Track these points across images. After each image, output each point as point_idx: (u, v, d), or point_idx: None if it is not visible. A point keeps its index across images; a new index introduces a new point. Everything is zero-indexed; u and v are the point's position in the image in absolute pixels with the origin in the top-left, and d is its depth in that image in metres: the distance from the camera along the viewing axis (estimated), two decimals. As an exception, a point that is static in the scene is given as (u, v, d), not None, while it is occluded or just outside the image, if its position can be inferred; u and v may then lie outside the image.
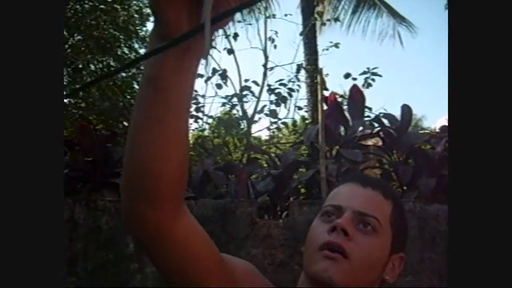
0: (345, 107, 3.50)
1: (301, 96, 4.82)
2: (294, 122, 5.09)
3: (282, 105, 4.14)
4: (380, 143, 3.02)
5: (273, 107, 4.15)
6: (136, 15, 6.63)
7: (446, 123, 4.35)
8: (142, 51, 6.97)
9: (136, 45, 6.84)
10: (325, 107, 2.98)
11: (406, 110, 3.15)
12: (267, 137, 6.37)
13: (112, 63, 6.69)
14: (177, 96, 0.58)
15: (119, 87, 6.09)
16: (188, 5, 0.55)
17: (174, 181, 0.61)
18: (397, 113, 3.58)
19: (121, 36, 6.42)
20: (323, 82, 2.92)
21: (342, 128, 2.98)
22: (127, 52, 6.75)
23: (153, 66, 0.58)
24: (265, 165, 3.87)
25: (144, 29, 6.89)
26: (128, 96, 5.70)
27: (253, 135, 4.98)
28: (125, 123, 5.93)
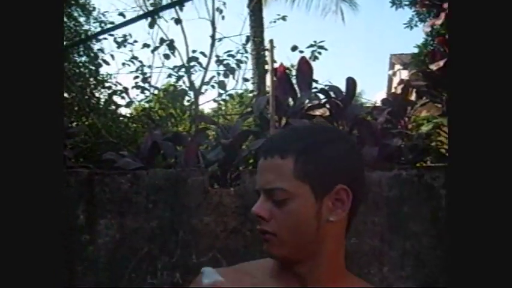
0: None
1: (247, 68, 4.86)
2: (241, 94, 5.13)
3: (230, 76, 4.15)
4: (327, 114, 3.13)
5: (221, 78, 4.16)
6: (75, -19, 6.32)
7: (385, 97, 4.54)
8: (82, 19, 6.68)
9: (76, 14, 6.54)
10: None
11: (351, 82, 3.27)
12: (210, 110, 6.36)
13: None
14: None
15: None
16: None
17: None
18: (340, 85, 3.70)
19: (59, 3, 6.10)
20: (273, 54, 2.96)
21: (290, 99, 3.05)
22: (66, 20, 6.44)
23: None
24: (214, 135, 3.90)
25: (84, -4, 6.59)
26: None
27: (199, 106, 4.98)
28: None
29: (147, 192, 2.58)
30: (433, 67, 3.56)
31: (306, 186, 0.82)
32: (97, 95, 5.87)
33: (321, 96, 3.26)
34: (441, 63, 3.47)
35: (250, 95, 5.04)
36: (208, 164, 2.78)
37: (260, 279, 0.89)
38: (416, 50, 6.26)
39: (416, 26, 6.69)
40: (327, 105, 3.12)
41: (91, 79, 5.82)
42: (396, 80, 9.60)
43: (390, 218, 2.56)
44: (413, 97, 3.90)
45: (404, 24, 6.68)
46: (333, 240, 0.85)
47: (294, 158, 0.82)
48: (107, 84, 5.67)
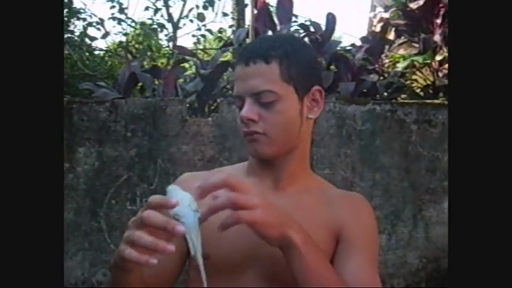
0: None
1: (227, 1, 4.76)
2: (220, 30, 5.06)
3: (210, 9, 4.08)
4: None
5: (200, 10, 4.08)
6: None
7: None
8: None
9: None
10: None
11: (331, 18, 3.26)
12: (192, 45, 6.26)
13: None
14: None
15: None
16: None
17: None
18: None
19: None
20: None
21: (270, 32, 3.04)
22: None
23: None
24: (192, 71, 3.88)
25: None
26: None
27: (177, 41, 4.89)
28: None
29: (126, 121, 2.60)
30: (413, 6, 3.57)
31: (290, 87, 0.89)
32: (71, 27, 5.70)
33: (301, 31, 3.26)
34: (421, 1, 3.49)
35: (229, 30, 4.97)
36: (186, 95, 2.80)
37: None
38: (397, -8, 6.19)
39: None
40: (306, 40, 3.12)
41: (64, 10, 5.62)
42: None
43: (362, 150, 2.66)
44: (391, 36, 3.93)
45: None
46: (307, 136, 0.96)
47: (279, 62, 0.88)
48: (81, 16, 5.50)
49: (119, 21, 4.35)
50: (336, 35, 4.46)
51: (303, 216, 0.91)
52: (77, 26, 5.74)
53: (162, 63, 4.63)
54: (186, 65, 4.08)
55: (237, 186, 0.73)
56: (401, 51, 3.88)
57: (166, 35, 4.62)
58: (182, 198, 0.73)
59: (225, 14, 4.46)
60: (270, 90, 0.87)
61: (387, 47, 3.61)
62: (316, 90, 0.93)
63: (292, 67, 0.89)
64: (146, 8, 4.44)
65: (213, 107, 2.89)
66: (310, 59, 0.93)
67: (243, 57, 0.90)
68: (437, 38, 3.31)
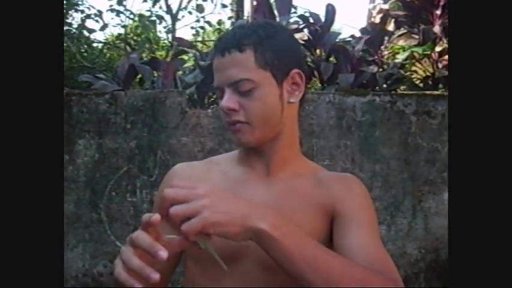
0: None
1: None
2: (219, 21, 5.04)
3: (209, 0, 4.06)
4: (306, 38, 3.14)
5: (199, 2, 4.06)
6: None
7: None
8: None
9: None
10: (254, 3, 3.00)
11: (330, 9, 3.25)
12: (191, 37, 6.25)
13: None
14: None
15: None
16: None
17: None
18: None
19: None
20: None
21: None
22: None
23: None
24: (192, 60, 3.86)
25: None
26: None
27: (176, 33, 4.87)
28: None
29: (125, 113, 2.60)
30: (413, -3, 3.56)
31: (267, 73, 0.88)
32: (69, 20, 5.68)
33: (300, 22, 3.24)
34: (420, -8, 3.47)
35: (228, 22, 4.96)
36: (186, 87, 2.79)
37: (228, 166, 0.98)
38: (397, -18, 6.16)
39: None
40: (306, 31, 3.11)
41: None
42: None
43: (362, 141, 2.66)
44: (391, 27, 3.92)
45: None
46: (291, 120, 0.95)
47: (253, 49, 0.87)
48: (79, 8, 5.48)
49: (118, 13, 4.34)
50: (335, 27, 4.46)
51: (296, 200, 0.92)
52: (75, 18, 5.72)
53: (161, 55, 4.62)
54: (185, 56, 4.07)
55: (177, 197, 0.69)
56: (401, 43, 3.87)
57: (164, 27, 4.61)
58: None
59: (224, 6, 4.45)
60: (246, 79, 0.87)
61: (386, 38, 3.60)
62: (296, 74, 0.91)
63: (268, 52, 0.88)
64: (145, 0, 4.42)
65: (212, 99, 2.89)
66: (287, 43, 0.91)
67: (218, 48, 0.89)
68: (436, 29, 3.30)
